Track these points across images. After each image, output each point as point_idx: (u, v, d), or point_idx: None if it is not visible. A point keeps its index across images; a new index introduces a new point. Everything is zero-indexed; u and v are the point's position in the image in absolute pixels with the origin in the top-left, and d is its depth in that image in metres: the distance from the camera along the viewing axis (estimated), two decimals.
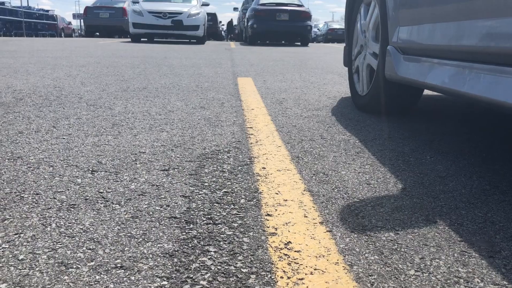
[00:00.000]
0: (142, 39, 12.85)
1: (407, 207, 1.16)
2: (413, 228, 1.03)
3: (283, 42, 15.03)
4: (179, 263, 0.85)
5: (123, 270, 0.82)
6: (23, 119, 2.06)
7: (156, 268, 0.83)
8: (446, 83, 1.57)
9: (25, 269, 0.82)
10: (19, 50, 7.24)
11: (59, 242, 0.92)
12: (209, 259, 0.87)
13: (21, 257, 0.86)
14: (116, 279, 0.79)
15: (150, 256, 0.87)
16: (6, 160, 1.45)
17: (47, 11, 24.69)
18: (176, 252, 0.89)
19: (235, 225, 1.02)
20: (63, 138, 1.74)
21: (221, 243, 0.94)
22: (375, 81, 2.29)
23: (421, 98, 2.36)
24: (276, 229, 1.01)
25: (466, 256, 0.91)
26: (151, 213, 1.08)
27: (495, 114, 2.51)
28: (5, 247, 0.89)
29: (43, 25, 22.54)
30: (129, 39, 13.56)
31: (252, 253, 0.90)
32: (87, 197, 1.17)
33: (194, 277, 0.80)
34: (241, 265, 0.85)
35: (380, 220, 1.07)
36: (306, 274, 0.82)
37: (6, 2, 20.29)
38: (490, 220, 1.09)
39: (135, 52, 7.41)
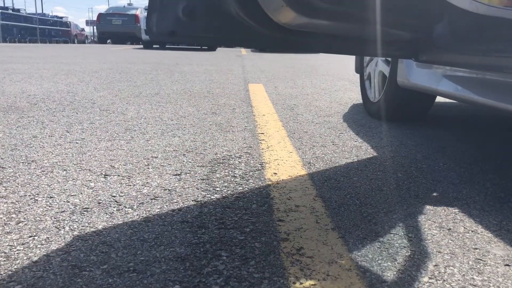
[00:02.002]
0: (154, 46, 12.96)
1: (420, 213, 1.15)
2: (426, 235, 1.02)
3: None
4: (191, 267, 0.85)
5: (135, 274, 0.82)
6: (37, 124, 2.09)
7: (169, 272, 0.83)
8: (459, 90, 1.56)
9: (39, 271, 0.82)
10: (34, 56, 7.35)
11: (72, 245, 0.93)
12: (221, 263, 0.87)
13: (35, 259, 0.87)
14: (129, 282, 0.79)
15: (163, 260, 0.88)
16: (21, 163, 1.47)
17: (61, 18, 25.06)
18: (188, 256, 0.89)
19: (247, 230, 1.02)
20: (77, 143, 1.76)
21: (233, 248, 0.94)
22: (387, 87, 2.29)
23: (433, 105, 2.35)
24: (288, 234, 1.01)
25: (481, 264, 0.89)
26: (163, 217, 1.08)
27: (508, 121, 2.48)
28: (20, 249, 0.90)
29: (57, 32, 22.86)
30: (141, 46, 13.69)
31: (264, 258, 0.89)
32: (100, 201, 1.17)
33: (206, 281, 0.80)
34: (254, 270, 0.85)
35: (393, 226, 1.06)
36: (318, 280, 0.82)
37: (22, 9, 20.64)
38: (505, 228, 1.07)
39: (147, 59, 7.47)
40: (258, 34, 1.28)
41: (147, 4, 1.25)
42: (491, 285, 0.82)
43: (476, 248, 0.96)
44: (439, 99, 3.18)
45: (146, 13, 12.49)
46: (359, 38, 1.44)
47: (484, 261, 0.91)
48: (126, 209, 1.12)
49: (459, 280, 0.83)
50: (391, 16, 1.38)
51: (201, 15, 1.21)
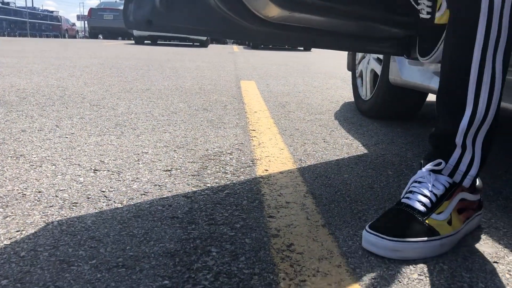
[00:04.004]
0: (145, 42, 12.89)
1: None
2: None
3: (286, 46, 15.05)
4: (181, 263, 0.85)
5: (124, 269, 0.82)
6: (26, 118, 2.06)
7: (158, 267, 0.83)
8: None
9: (26, 266, 0.81)
10: (23, 50, 7.27)
11: (60, 240, 0.92)
12: (211, 259, 0.86)
13: (22, 254, 0.85)
14: (117, 277, 0.79)
15: (152, 255, 0.87)
16: (9, 158, 1.45)
17: (52, 12, 24.80)
18: (178, 252, 0.89)
19: (237, 226, 1.02)
20: (66, 137, 1.74)
21: (223, 243, 0.93)
22: (379, 85, 2.29)
23: (424, 103, 2.36)
24: (278, 230, 1.00)
25: (470, 261, 0.90)
26: (153, 212, 1.07)
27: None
28: (7, 244, 0.89)
29: (47, 26, 22.62)
30: (133, 41, 13.61)
31: (254, 254, 0.89)
32: (89, 196, 1.16)
33: (195, 277, 0.80)
34: (243, 266, 0.85)
35: None
36: (308, 276, 0.82)
37: (11, 3, 20.39)
38: (494, 225, 1.08)
39: (139, 54, 7.43)
40: (239, 26, 1.27)
41: None
42: (479, 282, 0.82)
43: (465, 246, 0.97)
44: (430, 97, 3.20)
45: None
46: (345, 33, 1.43)
47: (473, 258, 0.92)
48: (116, 204, 1.11)
49: (447, 277, 0.84)
50: (380, 12, 1.38)
51: (179, 5, 1.20)
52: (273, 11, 1.21)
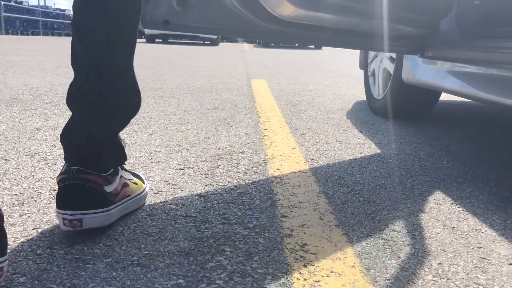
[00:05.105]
0: (156, 40, 12.94)
1: (424, 212, 1.14)
2: (430, 233, 1.02)
3: (296, 45, 15.00)
4: (195, 261, 0.85)
5: (139, 267, 0.82)
6: (40, 116, 2.09)
7: (172, 266, 0.83)
8: (466, 86, 1.55)
9: (43, 263, 0.82)
10: (36, 48, 7.35)
11: (76, 238, 0.93)
12: (224, 258, 0.87)
13: (39, 251, 0.87)
14: (132, 276, 0.79)
15: (166, 254, 0.87)
16: (24, 156, 1.47)
17: (64, 10, 25.00)
18: (192, 251, 0.89)
19: (251, 225, 1.02)
20: None
21: (237, 243, 0.93)
22: (392, 84, 2.28)
23: (437, 103, 2.34)
24: (291, 230, 1.00)
25: (485, 263, 0.89)
26: (166, 211, 1.08)
27: None
28: (24, 241, 0.90)
29: (60, 25, 22.82)
30: (144, 40, 13.67)
31: (267, 254, 0.89)
32: None
33: (210, 276, 0.80)
34: (257, 265, 0.85)
35: (397, 224, 1.06)
36: (322, 276, 0.82)
37: (24, 2, 20.59)
38: (509, 227, 1.07)
39: (150, 53, 7.46)
40: (255, 25, 1.27)
41: None
42: (495, 284, 0.82)
43: (480, 247, 0.96)
44: (443, 97, 3.17)
45: None
46: (360, 32, 1.43)
47: (488, 260, 0.91)
48: None
49: (463, 278, 0.83)
50: (395, 11, 1.37)
51: (195, 4, 1.20)
52: (288, 10, 1.21)
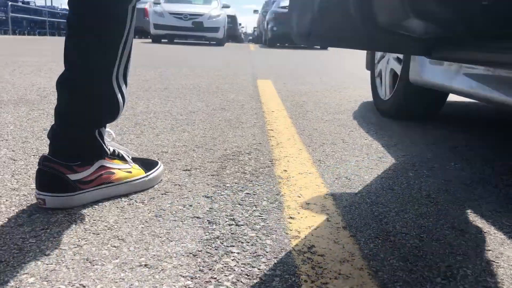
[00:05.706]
0: (162, 40, 12.97)
1: (431, 214, 1.14)
2: (438, 235, 1.02)
3: (302, 45, 14.99)
4: (202, 263, 0.85)
5: (147, 269, 0.82)
6: (47, 117, 2.10)
7: (180, 267, 0.83)
8: (475, 87, 1.54)
9: (51, 264, 0.83)
10: (43, 48, 7.39)
11: (84, 239, 0.93)
12: (232, 260, 0.87)
13: (47, 252, 0.87)
14: (141, 277, 0.80)
15: (174, 255, 0.88)
16: (32, 156, 1.48)
17: None
18: (200, 252, 0.89)
19: (258, 227, 1.02)
20: None
21: (244, 244, 0.93)
22: (398, 85, 2.27)
23: (445, 104, 2.32)
24: (299, 232, 1.00)
25: (494, 266, 0.89)
26: (174, 212, 1.08)
27: None
28: (33, 242, 0.91)
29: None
30: (150, 40, 13.71)
31: (275, 256, 0.89)
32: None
33: (218, 278, 0.80)
34: (265, 267, 0.85)
35: (405, 226, 1.06)
36: (330, 278, 0.82)
37: (31, 2, 20.70)
38: None
39: (156, 53, 7.48)
40: (379, 39, 1.28)
41: None
42: (504, 287, 0.81)
43: (489, 250, 0.96)
44: (450, 98, 3.16)
45: (154, 7, 12.47)
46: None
47: (497, 263, 0.90)
48: (137, 204, 1.12)
49: (472, 281, 0.83)
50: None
51: (329, 13, 1.22)
52: (423, 28, 1.22)
